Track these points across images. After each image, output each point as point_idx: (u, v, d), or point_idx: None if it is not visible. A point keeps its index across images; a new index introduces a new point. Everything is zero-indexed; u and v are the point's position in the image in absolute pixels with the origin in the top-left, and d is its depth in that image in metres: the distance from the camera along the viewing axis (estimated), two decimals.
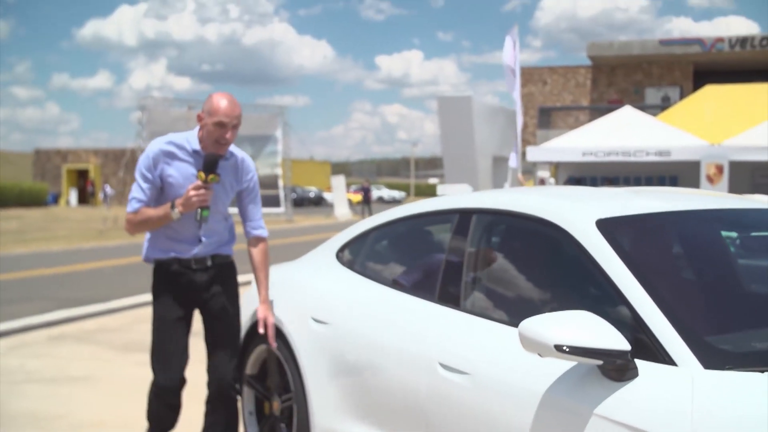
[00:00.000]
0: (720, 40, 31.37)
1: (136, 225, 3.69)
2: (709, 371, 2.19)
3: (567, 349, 2.21)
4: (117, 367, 6.68)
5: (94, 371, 6.49)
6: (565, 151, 19.22)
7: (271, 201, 32.11)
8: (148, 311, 9.34)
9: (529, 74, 33.12)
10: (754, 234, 3.34)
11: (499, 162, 24.59)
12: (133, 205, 3.68)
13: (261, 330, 3.79)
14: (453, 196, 3.71)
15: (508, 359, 2.68)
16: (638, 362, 2.31)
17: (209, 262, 3.77)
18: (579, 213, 2.91)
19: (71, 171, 55.20)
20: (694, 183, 17.70)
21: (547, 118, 31.55)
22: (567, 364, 2.45)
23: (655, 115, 21.36)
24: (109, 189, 43.84)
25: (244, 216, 3.93)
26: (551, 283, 2.98)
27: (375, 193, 63.60)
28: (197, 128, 3.70)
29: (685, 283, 2.84)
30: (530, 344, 2.30)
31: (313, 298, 3.89)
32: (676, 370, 2.24)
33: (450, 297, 3.19)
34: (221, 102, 3.58)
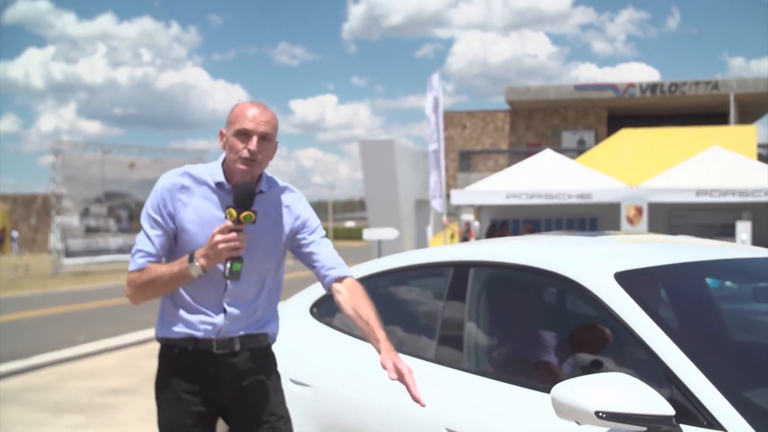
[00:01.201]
0: (632, 85, 32.34)
1: (140, 288, 2.71)
2: None
3: (608, 416, 2.04)
4: (49, 430, 6.26)
5: None
6: (489, 194, 19.43)
7: None
8: (75, 367, 8.88)
9: (448, 118, 33.42)
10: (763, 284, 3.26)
11: (422, 205, 24.65)
12: (136, 261, 2.72)
13: (393, 376, 2.49)
14: (445, 249, 3.49)
15: (530, 426, 2.49)
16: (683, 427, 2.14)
17: (237, 346, 2.77)
18: (595, 266, 2.76)
19: None
20: (614, 224, 18.06)
21: (467, 162, 31.91)
22: (600, 430, 2.26)
23: (572, 158, 21.83)
24: (15, 234, 42.27)
25: (309, 260, 2.85)
26: (568, 342, 2.82)
27: None
28: (221, 158, 2.80)
29: (716, 337, 2.73)
30: (566, 411, 2.12)
31: (289, 358, 3.46)
32: None
33: (449, 356, 2.97)
34: (246, 106, 2.70)
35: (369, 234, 16.88)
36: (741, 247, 3.50)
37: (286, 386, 3.35)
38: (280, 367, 3.39)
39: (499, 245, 3.39)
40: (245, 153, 2.63)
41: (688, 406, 2.18)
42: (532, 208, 20.36)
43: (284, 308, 3.91)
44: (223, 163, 2.76)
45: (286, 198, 2.85)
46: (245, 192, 2.59)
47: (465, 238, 19.18)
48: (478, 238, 19.92)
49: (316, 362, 3.41)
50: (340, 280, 2.80)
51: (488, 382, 2.77)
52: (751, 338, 2.95)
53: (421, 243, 25.31)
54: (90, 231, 28.82)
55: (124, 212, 30.32)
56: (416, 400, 2.49)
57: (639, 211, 17.85)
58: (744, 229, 15.38)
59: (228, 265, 2.58)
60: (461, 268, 3.13)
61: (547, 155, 20.34)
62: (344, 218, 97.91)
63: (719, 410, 2.12)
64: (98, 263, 28.56)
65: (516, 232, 21.50)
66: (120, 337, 10.96)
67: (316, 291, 3.77)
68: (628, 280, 2.59)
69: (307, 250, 2.84)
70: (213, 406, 2.80)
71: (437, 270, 3.32)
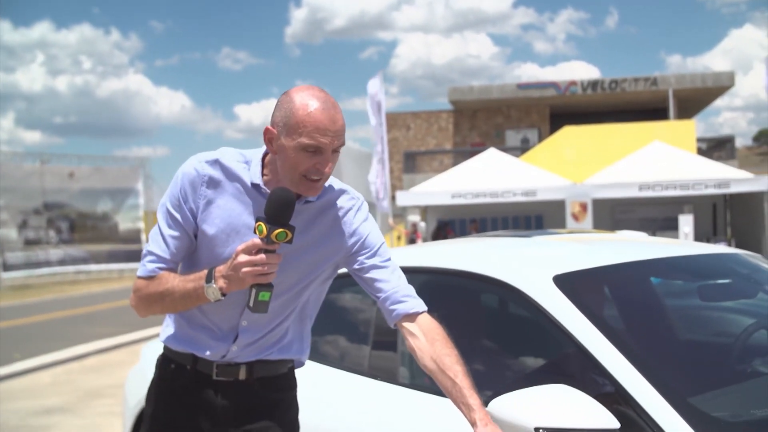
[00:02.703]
0: (573, 83, 32.71)
1: (146, 300, 2.18)
2: None
3: None
4: None
5: None
6: (435, 195, 19.42)
7: (134, 256, 30.94)
8: (7, 387, 8.53)
9: (393, 120, 33.38)
10: (711, 282, 3.16)
11: (369, 208, 24.53)
12: (146, 266, 2.18)
13: None
14: None
15: None
16: None
17: (242, 375, 2.25)
18: (533, 269, 2.62)
19: None
20: (559, 221, 18.18)
21: (412, 163, 31.90)
22: None
23: (516, 156, 21.95)
24: None
25: (371, 290, 2.26)
26: (507, 350, 2.69)
27: None
28: (262, 150, 2.19)
29: (661, 341, 2.61)
30: (505, 427, 1.96)
31: None
32: None
33: (382, 370, 2.80)
34: (318, 112, 2.01)
35: None
36: (683, 243, 3.41)
37: None
38: None
39: (435, 249, 3.25)
40: (316, 176, 2.03)
41: (634, 416, 2.06)
42: (477, 208, 20.40)
43: None
44: (264, 158, 2.18)
45: (341, 207, 2.24)
46: (281, 202, 1.97)
47: (412, 240, 19.11)
48: (424, 239, 19.87)
49: None
50: (411, 317, 2.21)
51: (424, 396, 2.60)
52: (696, 338, 2.86)
53: None
54: (29, 243, 28.15)
55: (65, 223, 29.70)
56: None
57: (584, 207, 18.00)
58: (686, 222, 15.58)
59: (253, 292, 2.01)
60: None
61: (492, 154, 20.41)
62: None
63: (665, 420, 2.01)
64: (39, 276, 27.88)
65: (462, 232, 21.52)
66: (57, 353, 10.59)
67: None
68: (567, 283, 2.46)
69: (368, 275, 2.24)
70: None
71: None
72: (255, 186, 2.14)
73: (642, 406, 2.05)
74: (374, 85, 18.30)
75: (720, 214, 18.47)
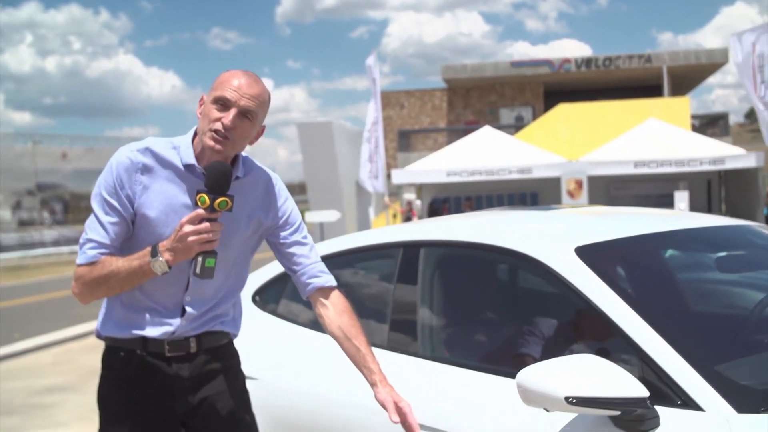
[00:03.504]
0: (567, 61, 32.65)
1: (90, 285, 2.25)
2: (744, 416, 1.92)
3: (579, 401, 1.88)
4: None
5: None
6: (430, 173, 19.43)
7: None
8: (8, 367, 8.53)
9: (386, 98, 33.27)
10: (730, 253, 3.15)
11: (363, 187, 24.52)
12: (86, 253, 2.25)
13: (395, 418, 2.22)
14: (393, 228, 3.26)
15: (495, 412, 2.33)
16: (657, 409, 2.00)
17: (193, 347, 2.37)
18: (553, 241, 2.60)
19: None
20: (554, 198, 18.22)
21: (406, 141, 31.87)
22: (568, 415, 2.12)
23: (511, 134, 21.95)
24: None
25: (289, 263, 2.48)
26: (528, 323, 2.67)
27: None
28: (190, 133, 2.35)
29: (684, 311, 2.62)
30: (533, 397, 1.97)
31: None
32: (705, 416, 1.96)
33: (402, 342, 2.79)
34: (235, 74, 2.26)
35: (311, 217, 16.64)
36: (698, 216, 3.41)
37: None
38: None
39: (451, 222, 3.22)
40: (218, 125, 2.19)
41: (661, 386, 2.06)
42: (472, 185, 20.41)
43: None
44: (194, 141, 2.32)
45: (266, 184, 2.43)
46: (220, 174, 2.16)
47: (408, 218, 19.13)
48: (420, 217, 19.89)
49: (263, 353, 3.17)
50: (324, 291, 2.44)
51: (446, 368, 2.60)
52: (717, 310, 2.86)
53: (363, 224, 25.19)
54: (23, 224, 28.11)
55: (59, 204, 29.67)
56: None
57: (579, 184, 18.02)
58: (681, 198, 15.63)
59: (199, 260, 2.16)
60: (411, 248, 2.95)
61: (486, 132, 20.39)
62: None
63: (693, 387, 2.01)
64: (33, 257, 27.85)
65: (457, 210, 21.53)
66: (57, 333, 10.60)
67: (258, 278, 3.55)
68: (589, 254, 2.45)
69: (289, 250, 2.46)
70: (169, 416, 2.37)
71: (386, 251, 3.13)
72: (188, 167, 2.28)
73: (669, 374, 2.05)
74: (370, 63, 18.23)
75: (714, 191, 18.52)
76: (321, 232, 16.48)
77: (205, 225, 2.13)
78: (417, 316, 2.80)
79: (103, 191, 2.25)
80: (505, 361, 2.62)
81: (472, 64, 33.80)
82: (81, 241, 2.28)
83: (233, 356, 2.51)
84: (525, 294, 2.86)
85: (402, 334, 2.82)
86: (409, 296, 2.86)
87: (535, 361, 2.32)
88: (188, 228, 2.12)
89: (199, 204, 2.14)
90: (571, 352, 2.11)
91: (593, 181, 17.67)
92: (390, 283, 2.99)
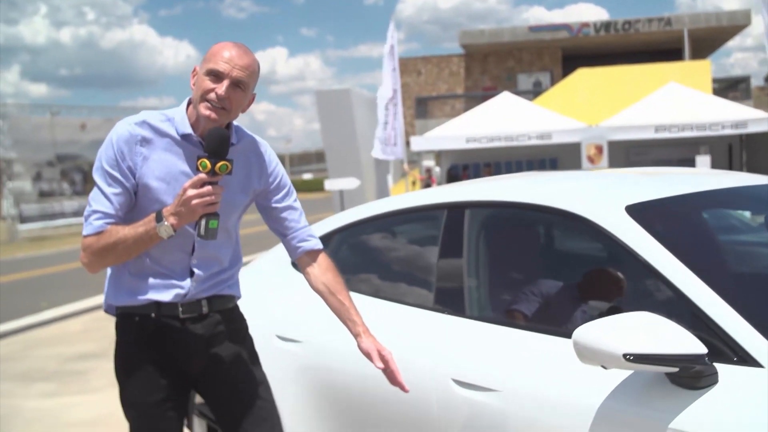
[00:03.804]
0: (585, 25, 32.34)
1: (99, 254, 2.36)
2: None
3: (637, 358, 1.90)
4: (20, 400, 6.05)
5: None
6: (449, 139, 19.37)
7: None
8: (39, 334, 8.68)
9: (403, 65, 33.10)
10: None
11: (375, 156, 24.47)
12: (92, 224, 2.36)
13: (379, 364, 2.46)
14: (436, 190, 3.24)
15: (545, 371, 2.35)
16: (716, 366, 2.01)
17: (205, 308, 2.53)
18: (603, 200, 2.58)
19: None
20: (574, 164, 18.15)
21: (423, 108, 31.74)
22: (622, 373, 2.14)
23: (529, 100, 21.82)
24: None
25: (280, 227, 2.65)
26: (576, 282, 2.69)
27: None
28: (183, 104, 2.48)
29: (737, 268, 2.61)
30: (590, 354, 1.99)
31: (274, 313, 3.25)
32: (764, 372, 1.96)
33: (449, 303, 2.80)
34: (225, 45, 2.37)
35: (330, 184, 16.69)
36: (745, 175, 3.36)
37: (273, 343, 3.21)
38: (266, 324, 3.23)
39: (496, 183, 3.19)
40: (212, 96, 2.32)
41: (717, 343, 2.06)
42: (490, 152, 20.35)
43: (264, 262, 3.74)
44: (188, 112, 2.45)
45: (257, 151, 2.57)
46: (219, 139, 2.28)
47: (427, 184, 19.12)
48: (439, 184, 19.88)
49: (304, 317, 3.21)
50: (312, 253, 2.64)
51: (493, 328, 2.61)
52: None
53: (382, 192, 25.18)
54: (44, 195, 28.23)
55: (78, 175, 29.74)
56: (401, 386, 2.46)
57: (599, 149, 17.95)
58: (703, 162, 15.54)
59: (203, 222, 2.29)
60: (456, 209, 2.93)
61: (505, 98, 20.30)
62: (301, 171, 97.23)
63: (752, 344, 2.01)
64: (54, 227, 28.05)
65: (477, 176, 21.49)
66: (84, 301, 10.74)
67: None
68: (640, 213, 2.44)
69: (281, 214, 2.62)
70: (183, 377, 2.53)
71: (429, 213, 3.12)
72: (184, 136, 2.41)
73: (727, 331, 2.05)
74: (389, 31, 18.15)
75: (736, 155, 18.39)
76: (341, 199, 16.52)
77: (208, 188, 2.26)
78: (463, 277, 2.80)
79: (105, 164, 2.37)
80: (554, 320, 2.64)
81: (490, 30, 33.52)
82: (86, 213, 2.39)
83: (242, 320, 2.67)
84: (573, 254, 2.87)
85: (448, 295, 2.83)
86: (455, 257, 2.86)
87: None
88: (192, 192, 2.25)
89: (201, 168, 2.26)
90: (625, 310, 2.11)
91: (613, 146, 17.58)
92: (434, 244, 2.99)
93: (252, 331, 2.94)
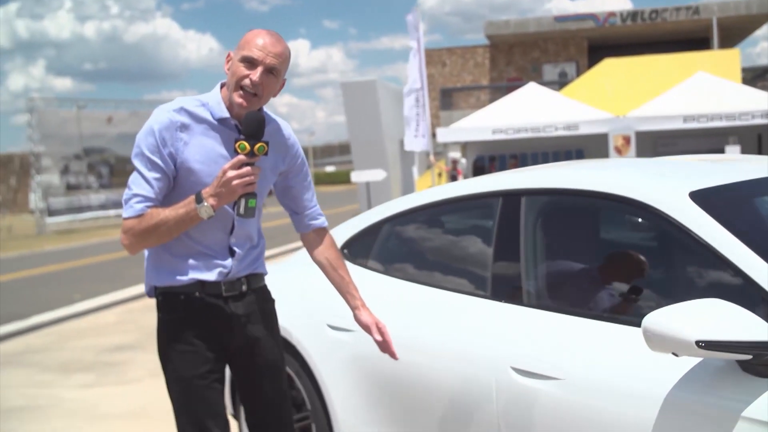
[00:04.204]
0: (612, 14, 32.05)
1: (140, 235, 2.45)
2: None
3: (709, 345, 1.88)
4: (60, 390, 6.14)
5: (36, 399, 5.92)
6: (475, 131, 19.35)
7: None
8: (74, 326, 8.77)
9: (428, 56, 33.00)
10: None
11: (408, 149, 24.41)
12: (134, 207, 2.45)
13: (378, 337, 2.68)
14: (489, 178, 3.21)
15: (610, 360, 2.34)
16: None
17: (244, 287, 2.65)
18: (666, 186, 2.54)
19: None
20: (601, 155, 18.05)
21: (448, 99, 31.62)
22: (689, 361, 2.13)
23: (555, 90, 21.70)
24: None
25: (295, 205, 2.82)
26: (639, 270, 2.66)
27: None
28: (216, 88, 2.59)
29: None
30: (660, 341, 1.98)
31: (324, 302, 3.24)
32: None
33: (507, 291, 2.79)
34: (259, 33, 2.47)
35: (357, 176, 16.68)
36: None
37: (324, 332, 3.24)
38: (317, 312, 3.28)
39: (553, 170, 3.13)
40: (246, 82, 2.43)
41: None
42: (516, 143, 20.27)
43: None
44: (223, 93, 2.57)
45: (283, 133, 2.71)
46: (257, 122, 2.41)
47: (453, 176, 19.08)
48: (465, 176, 19.83)
49: None
50: (319, 231, 2.85)
51: (553, 316, 2.60)
52: None
53: (408, 183, 25.16)
54: (71, 188, 28.46)
55: (105, 168, 29.94)
56: (392, 354, 2.67)
57: (627, 140, 17.86)
58: (733, 152, 15.40)
59: (242, 201, 2.41)
60: (511, 197, 2.91)
61: (531, 89, 20.22)
62: (324, 163, 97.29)
63: None
64: (81, 221, 28.28)
65: (503, 168, 21.43)
66: (117, 293, 10.84)
67: (345, 231, 3.60)
68: (704, 198, 2.41)
69: (297, 193, 2.80)
70: (223, 351, 2.65)
71: (483, 201, 3.09)
72: (221, 120, 2.52)
73: None
74: (413, 19, 18.12)
75: (766, 145, 18.21)
76: (367, 191, 16.52)
77: (247, 169, 2.37)
78: (521, 265, 2.79)
79: (146, 150, 2.46)
80: (617, 308, 2.62)
81: (515, 20, 33.32)
82: (126, 197, 2.49)
83: (271, 299, 2.80)
84: (636, 241, 2.84)
85: (505, 283, 2.82)
86: (512, 245, 2.84)
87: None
88: (232, 173, 2.35)
89: (239, 150, 2.37)
90: (694, 297, 2.09)
91: (640, 136, 17.47)
92: (488, 233, 2.98)
93: (303, 319, 2.96)
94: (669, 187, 2.55)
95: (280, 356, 2.76)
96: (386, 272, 3.29)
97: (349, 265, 3.38)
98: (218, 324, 2.59)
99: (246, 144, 2.37)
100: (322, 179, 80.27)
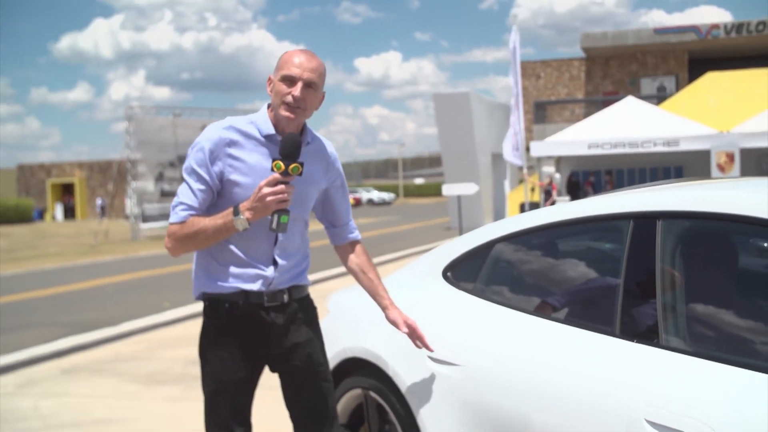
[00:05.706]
0: (715, 26, 31.04)
1: (181, 240, 2.63)
2: None
3: None
4: (145, 403, 6.07)
5: (120, 411, 5.86)
6: (570, 145, 18.90)
7: None
8: (164, 335, 8.71)
9: (522, 69, 32.61)
10: None
11: (498, 158, 24.08)
12: (178, 214, 2.64)
13: (405, 330, 2.85)
14: (617, 198, 2.87)
15: (765, 414, 1.96)
16: None
17: (286, 297, 2.76)
18: None
19: (56, 185, 54.34)
20: (703, 172, 17.40)
21: (542, 113, 31.18)
22: None
23: (653, 105, 21.04)
24: (100, 201, 43.64)
25: (333, 219, 2.99)
26: None
27: (364, 196, 62.92)
28: (264, 108, 2.75)
29: None
30: None
31: (425, 331, 2.93)
32: None
33: (639, 330, 2.44)
34: (294, 53, 2.66)
35: (448, 189, 16.40)
36: None
37: (426, 364, 2.98)
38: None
39: (693, 190, 2.73)
40: (289, 98, 2.61)
41: None
42: (611, 158, 19.73)
43: (410, 272, 3.53)
44: (269, 113, 2.73)
45: (326, 150, 2.87)
46: (292, 143, 2.54)
47: (547, 192, 18.60)
48: (559, 192, 19.35)
49: (461, 337, 2.93)
50: (354, 242, 3.03)
51: (696, 361, 2.25)
52: None
53: (499, 197, 24.81)
54: (165, 195, 28.97)
55: None
56: (427, 346, 2.88)
57: (731, 157, 17.14)
58: None
59: (275, 217, 2.54)
60: (645, 220, 2.57)
61: (630, 102, 19.69)
62: (413, 175, 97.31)
63: None
64: None
65: (598, 184, 20.87)
66: None
67: (448, 252, 3.32)
68: None
69: (338, 208, 2.97)
70: (261, 358, 2.79)
71: (608, 224, 2.77)
72: (268, 137, 2.67)
73: None
74: (512, 34, 17.86)
75: None
76: (459, 205, 16.24)
77: (281, 187, 2.52)
78: (657, 299, 2.43)
79: (195, 164, 2.64)
80: None
81: (613, 32, 32.59)
82: (173, 204, 2.67)
83: (314, 307, 2.92)
84: None
85: (638, 320, 2.47)
86: (645, 275, 2.50)
87: None
88: (267, 190, 2.51)
89: (275, 169, 2.52)
90: None
91: (744, 153, 16.76)
92: (616, 260, 2.64)
93: (398, 346, 2.98)
94: None
95: (323, 362, 2.87)
96: (497, 300, 2.98)
97: (452, 290, 3.15)
98: (257, 332, 2.73)
99: (281, 163, 2.52)
100: (411, 191, 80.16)
